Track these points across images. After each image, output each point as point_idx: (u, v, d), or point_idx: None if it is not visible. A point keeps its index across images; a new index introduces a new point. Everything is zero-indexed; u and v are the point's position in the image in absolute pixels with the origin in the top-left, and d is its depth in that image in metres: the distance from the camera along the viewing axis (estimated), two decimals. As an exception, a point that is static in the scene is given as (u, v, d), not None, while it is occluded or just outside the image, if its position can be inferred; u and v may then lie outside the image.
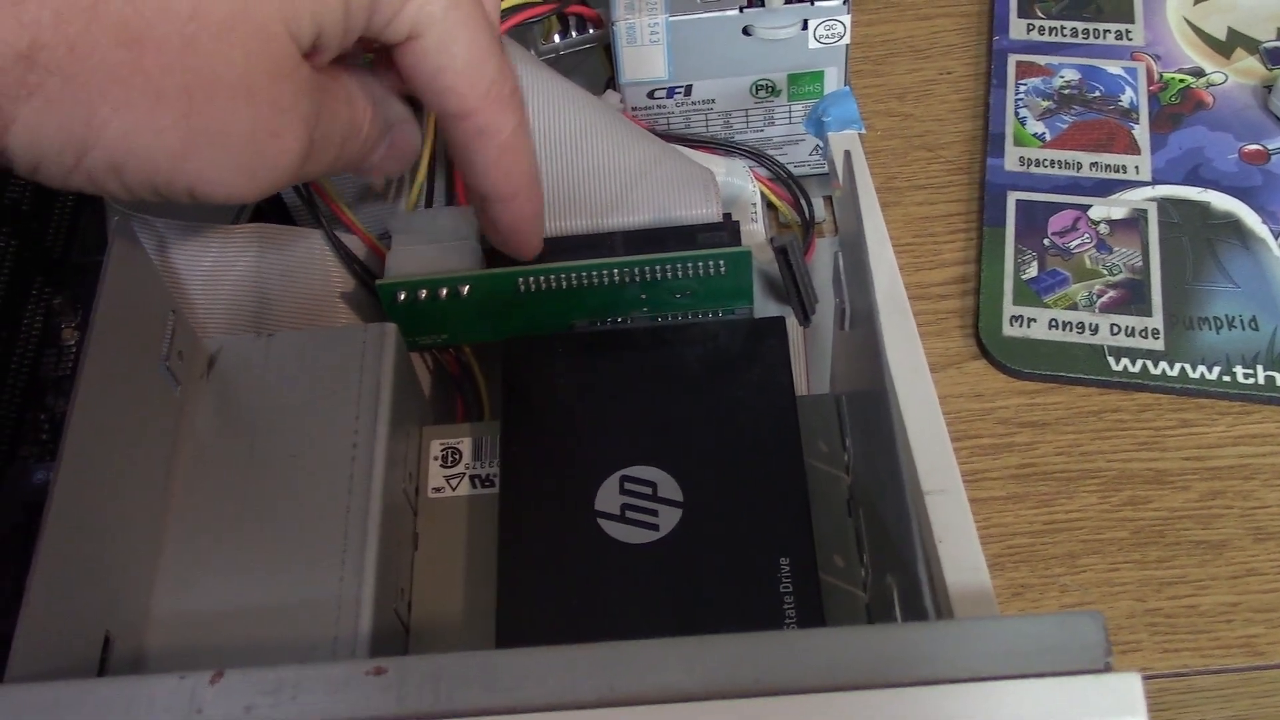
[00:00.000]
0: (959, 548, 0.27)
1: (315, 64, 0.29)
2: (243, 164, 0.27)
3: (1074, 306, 0.44)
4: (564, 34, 0.46)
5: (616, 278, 0.37)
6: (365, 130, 0.31)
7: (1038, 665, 0.22)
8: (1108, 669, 0.22)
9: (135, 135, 0.26)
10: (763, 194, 0.45)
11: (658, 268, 0.36)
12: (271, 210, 0.42)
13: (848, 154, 0.33)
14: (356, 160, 0.32)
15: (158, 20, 0.25)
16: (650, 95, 0.44)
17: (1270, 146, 0.48)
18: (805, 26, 0.42)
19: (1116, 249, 0.45)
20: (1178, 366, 0.42)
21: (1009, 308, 0.44)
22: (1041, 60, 0.51)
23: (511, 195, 0.34)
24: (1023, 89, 0.50)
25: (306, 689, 0.23)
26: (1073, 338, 0.43)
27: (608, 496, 0.34)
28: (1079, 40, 0.52)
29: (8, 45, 0.24)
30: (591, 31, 0.46)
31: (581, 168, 0.39)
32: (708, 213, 0.38)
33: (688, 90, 0.44)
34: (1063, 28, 0.52)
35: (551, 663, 0.23)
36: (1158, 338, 0.43)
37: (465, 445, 0.37)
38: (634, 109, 0.44)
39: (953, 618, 0.26)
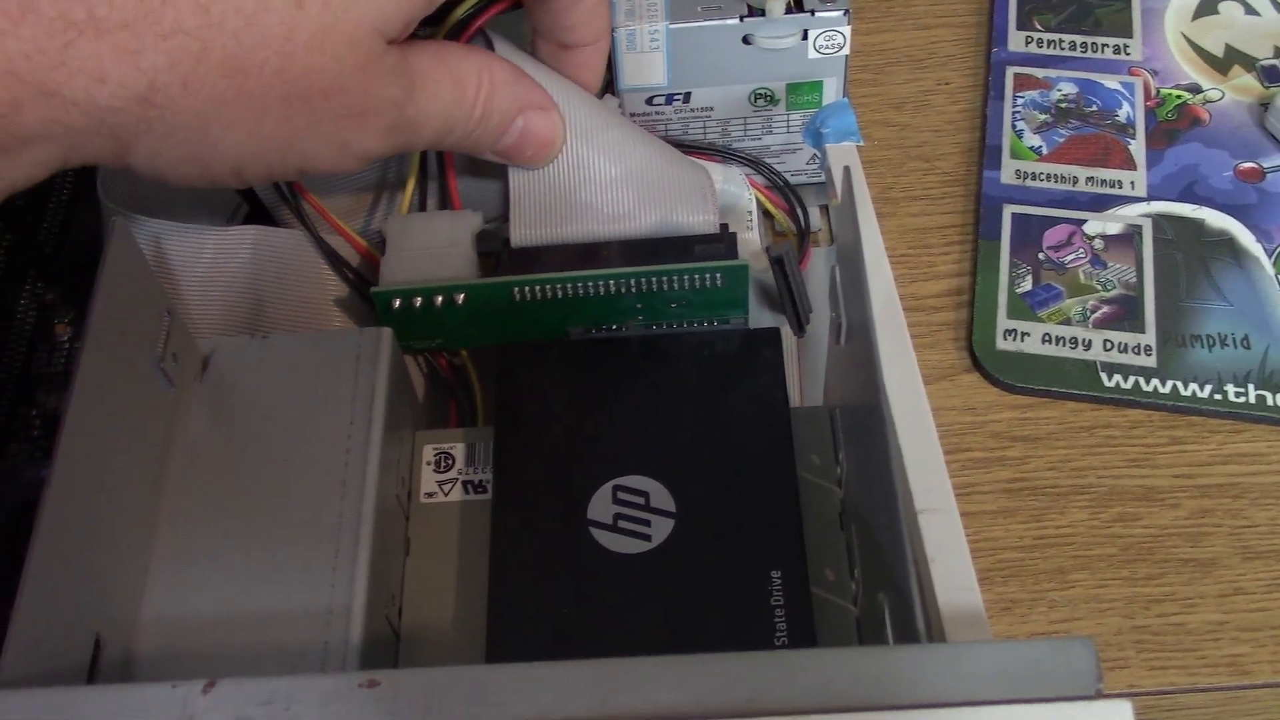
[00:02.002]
0: (951, 567, 0.27)
1: (405, 32, 0.32)
2: (337, 145, 0.31)
3: (1067, 321, 0.44)
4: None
5: (612, 288, 0.37)
6: (479, 110, 0.34)
7: (1029, 691, 0.23)
8: (1099, 695, 0.22)
9: (246, 144, 0.30)
10: (759, 202, 0.45)
11: (654, 279, 0.37)
12: (264, 212, 0.42)
13: (847, 169, 0.33)
14: (478, 141, 0.35)
15: (258, 48, 0.28)
16: (649, 102, 0.44)
17: (1266, 165, 0.48)
18: (805, 37, 0.42)
19: (1111, 264, 0.46)
20: (1170, 384, 0.42)
21: (1003, 321, 0.44)
22: (1039, 73, 0.51)
23: (603, 34, 0.38)
24: (1020, 102, 0.50)
25: (299, 700, 0.23)
26: (1066, 352, 0.43)
27: (600, 506, 0.34)
28: (1077, 54, 0.52)
29: (127, 90, 0.27)
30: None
31: (578, 171, 0.39)
32: (705, 219, 0.38)
33: (686, 97, 0.44)
34: (1061, 41, 0.52)
35: (544, 679, 0.23)
36: (1150, 354, 0.43)
37: (458, 450, 0.37)
38: (632, 115, 0.44)
39: (944, 639, 0.26)
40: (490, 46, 0.39)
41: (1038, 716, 0.22)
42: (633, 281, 0.36)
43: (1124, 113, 0.50)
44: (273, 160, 0.30)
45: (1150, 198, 0.47)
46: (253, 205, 0.44)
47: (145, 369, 0.33)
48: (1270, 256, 0.45)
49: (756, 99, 0.44)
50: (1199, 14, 0.53)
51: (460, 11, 0.38)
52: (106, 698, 0.23)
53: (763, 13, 0.41)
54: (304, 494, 0.33)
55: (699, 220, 0.38)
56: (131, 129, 0.28)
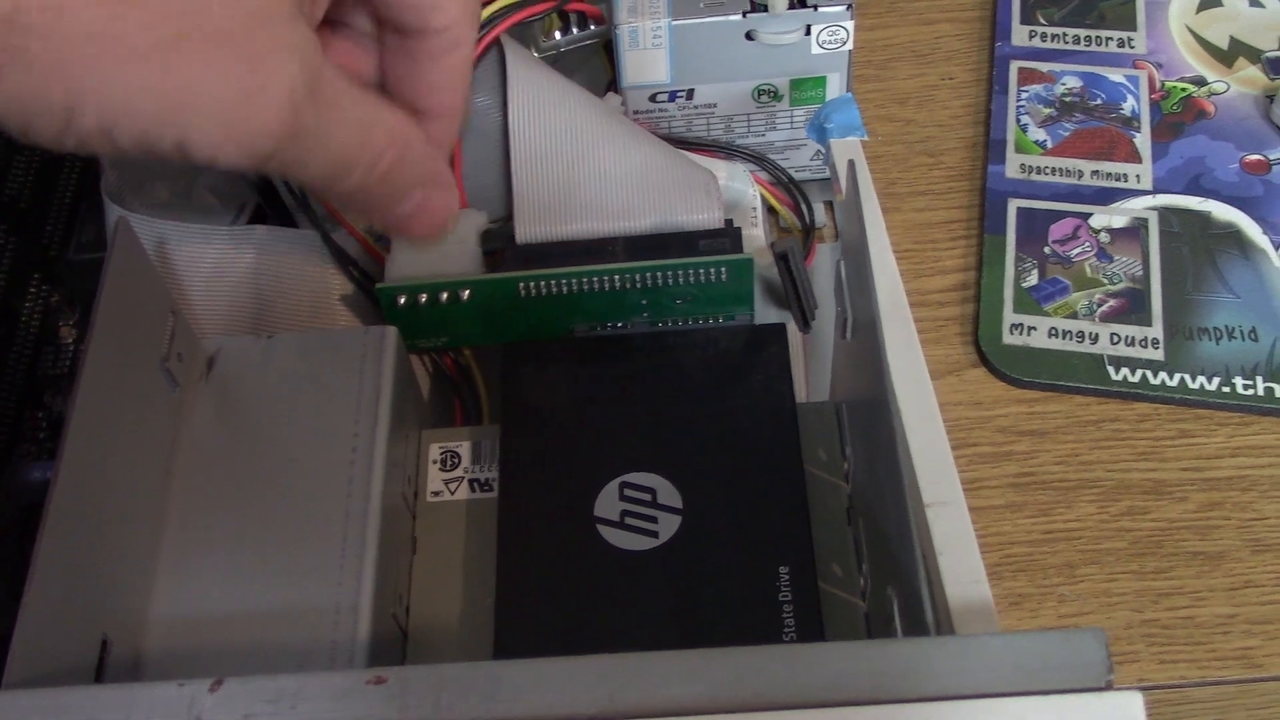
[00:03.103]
0: (960, 560, 0.27)
1: (316, 12, 0.29)
2: (223, 120, 0.27)
3: (1074, 315, 0.44)
4: (565, 31, 0.46)
5: (618, 283, 0.37)
6: (383, 163, 0.31)
7: (1039, 682, 0.22)
8: (1109, 687, 0.22)
9: (117, 97, 0.26)
10: (763, 198, 0.45)
11: (659, 274, 0.36)
12: (272, 212, 0.42)
13: (851, 163, 0.33)
14: (373, 197, 0.32)
15: None
16: (652, 99, 0.44)
17: (1271, 157, 0.48)
18: (808, 32, 0.42)
19: (1117, 258, 0.45)
20: (1177, 377, 0.42)
21: (1009, 315, 0.44)
22: (1044, 67, 0.51)
23: (458, 108, 0.35)
24: (1024, 96, 0.50)
25: (306, 698, 0.23)
26: (1072, 346, 0.43)
27: (607, 503, 0.34)
28: (1081, 47, 0.52)
29: None
30: (593, 28, 0.46)
31: (583, 170, 0.39)
32: (709, 216, 0.38)
33: (689, 94, 0.44)
34: (1065, 35, 0.52)
35: (552, 674, 0.23)
36: (1157, 348, 0.43)
37: (464, 449, 0.37)
38: (635, 112, 0.44)
39: (953, 631, 0.26)
40: (503, 54, 0.39)
41: (1049, 708, 0.22)
42: (638, 276, 0.36)
43: (1129, 106, 0.50)
44: (148, 126, 0.26)
45: (1156, 191, 0.47)
46: (259, 205, 0.44)
47: (150, 369, 0.33)
48: (1277, 249, 0.45)
49: (760, 95, 0.44)
50: (1203, 6, 0.53)
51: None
52: (114, 697, 0.23)
53: (765, 8, 0.41)
54: (310, 493, 0.33)
55: (704, 218, 0.38)
56: None
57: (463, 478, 0.37)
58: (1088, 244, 0.46)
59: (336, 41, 0.33)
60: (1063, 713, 0.22)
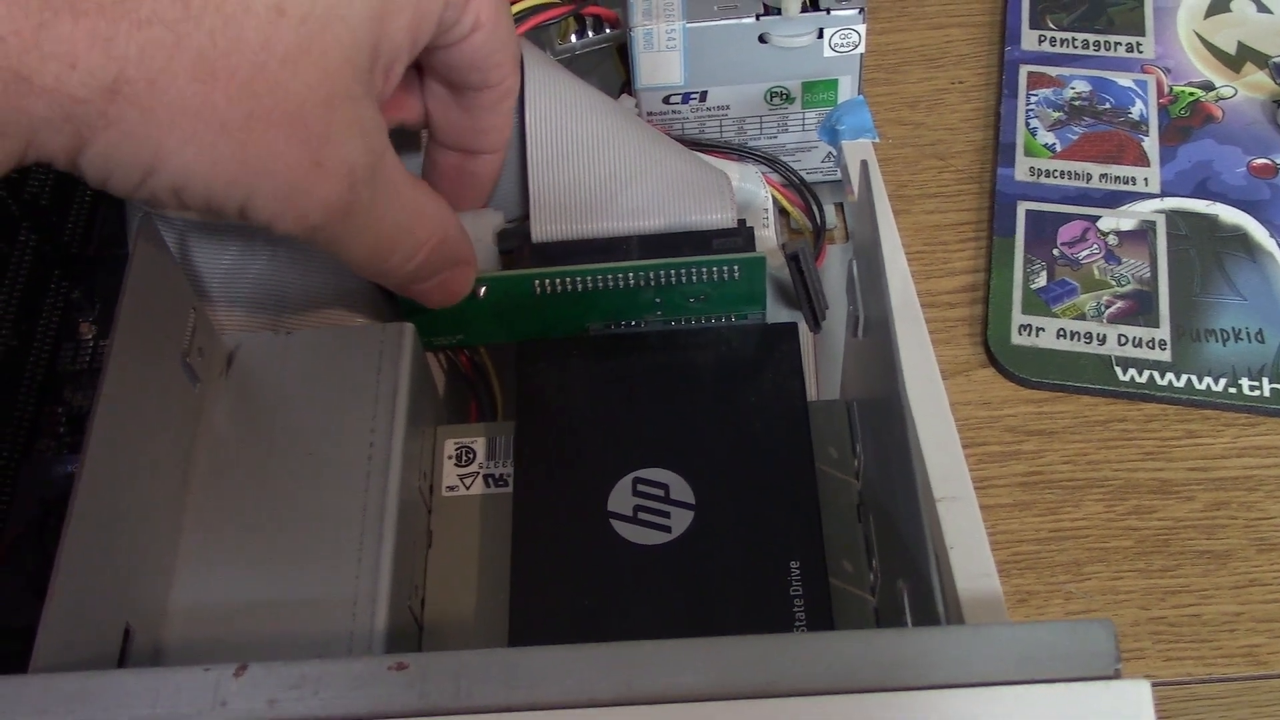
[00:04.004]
0: (970, 554, 0.27)
1: (388, 88, 0.31)
2: (285, 192, 0.29)
3: (1082, 316, 0.44)
4: (580, 34, 0.46)
5: (631, 281, 0.37)
6: (421, 254, 0.33)
7: (1048, 671, 0.23)
8: (1117, 675, 0.23)
9: (196, 164, 0.27)
10: (775, 199, 0.46)
11: (672, 272, 0.37)
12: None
13: (864, 164, 0.33)
14: (398, 279, 0.34)
15: (232, 52, 0.26)
16: (665, 100, 0.44)
17: (1278, 161, 0.48)
18: (821, 35, 0.42)
19: (1125, 260, 0.46)
20: (1184, 378, 0.43)
21: (1018, 317, 0.45)
22: (1053, 71, 0.52)
23: (505, 144, 0.38)
24: (1034, 100, 0.51)
25: (329, 684, 0.23)
26: (1080, 347, 0.44)
27: (620, 498, 0.35)
28: (1090, 52, 0.52)
29: (95, 78, 0.25)
30: (608, 31, 0.46)
31: (598, 171, 0.39)
32: (723, 217, 0.38)
33: (703, 96, 0.44)
34: (1074, 39, 0.53)
35: (570, 661, 0.23)
36: (1165, 349, 0.43)
37: (479, 445, 0.38)
38: (649, 114, 0.45)
39: (963, 623, 0.26)
40: (520, 57, 0.40)
41: (1057, 696, 0.22)
42: (651, 274, 0.37)
43: (1137, 110, 0.50)
44: (216, 188, 0.28)
45: (1164, 194, 0.48)
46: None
47: (172, 364, 0.33)
48: (1284, 251, 0.45)
49: (772, 97, 0.44)
50: (1211, 12, 0.53)
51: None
52: (141, 681, 0.24)
53: (779, 11, 0.42)
54: (328, 487, 0.34)
55: (717, 218, 0.39)
56: (92, 124, 0.26)
57: (478, 473, 0.37)
58: (1096, 246, 0.46)
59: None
60: (1071, 701, 0.22)
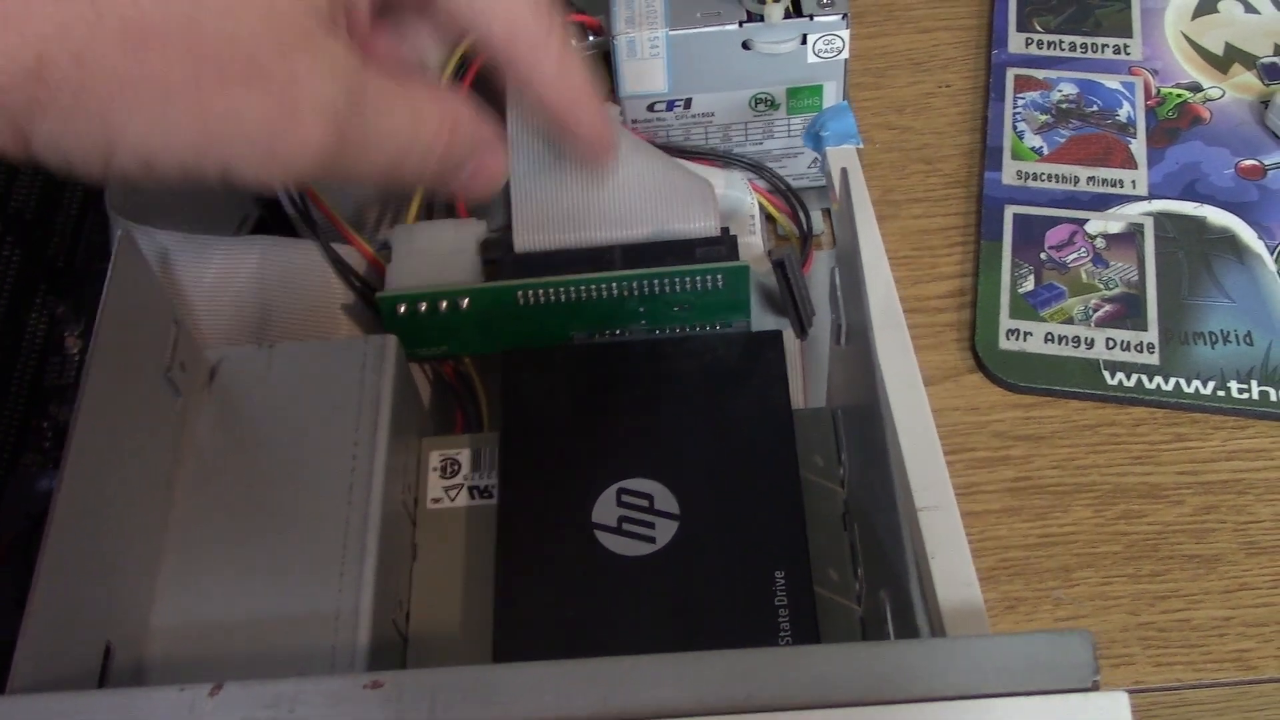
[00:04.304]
0: (951, 563, 0.27)
1: (356, 29, 0.29)
2: (263, 147, 0.27)
3: (1070, 320, 0.44)
4: (565, 45, 0.46)
5: (615, 291, 0.37)
6: (436, 152, 0.31)
7: (1027, 683, 0.23)
8: (1095, 688, 0.23)
9: (153, 134, 0.26)
10: (761, 206, 0.46)
11: (656, 281, 0.37)
12: (274, 221, 0.43)
13: (844, 171, 0.33)
14: (428, 177, 0.32)
15: (158, 12, 0.25)
16: (650, 108, 0.44)
17: (1267, 162, 0.48)
18: (804, 41, 0.42)
19: (1113, 263, 0.46)
20: (1173, 381, 0.43)
21: (1005, 321, 0.44)
22: (1040, 74, 0.52)
23: (574, 109, 0.34)
24: (1021, 103, 0.51)
25: (304, 702, 0.23)
26: (1068, 351, 0.44)
27: (605, 509, 0.34)
28: (1077, 54, 0.52)
29: (14, 63, 0.24)
30: (592, 39, 0.46)
31: (581, 180, 0.39)
32: (706, 225, 0.38)
33: (687, 103, 0.44)
34: (1061, 42, 0.52)
35: (546, 678, 0.23)
36: (1153, 352, 0.43)
37: (464, 456, 0.38)
38: (634, 122, 0.45)
39: (944, 633, 0.26)
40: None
41: (1036, 709, 0.22)
42: (635, 284, 0.37)
43: (1124, 112, 0.50)
44: (186, 156, 0.26)
45: (1152, 196, 0.47)
46: (261, 216, 0.45)
47: (153, 379, 0.33)
48: (1272, 253, 0.45)
49: (757, 104, 0.44)
50: (1199, 13, 0.53)
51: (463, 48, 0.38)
52: (115, 701, 0.24)
53: (762, 18, 0.42)
54: (311, 501, 0.33)
55: (700, 226, 0.39)
56: (25, 111, 0.24)
57: (463, 485, 0.37)
58: (1083, 250, 0.46)
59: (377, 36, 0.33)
60: (1050, 713, 0.22)
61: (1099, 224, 0.47)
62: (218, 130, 0.26)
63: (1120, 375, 0.43)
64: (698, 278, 0.37)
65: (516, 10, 0.31)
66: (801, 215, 0.46)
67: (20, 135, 0.25)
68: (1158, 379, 0.43)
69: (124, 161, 0.26)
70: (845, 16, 0.41)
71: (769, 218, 0.47)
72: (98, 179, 0.27)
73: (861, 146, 0.38)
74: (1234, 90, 0.50)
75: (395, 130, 0.30)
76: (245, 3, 0.26)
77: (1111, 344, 0.44)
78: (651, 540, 0.34)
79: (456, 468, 0.38)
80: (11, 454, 0.42)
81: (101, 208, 0.42)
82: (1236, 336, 0.43)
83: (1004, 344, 0.44)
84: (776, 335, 0.38)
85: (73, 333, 0.44)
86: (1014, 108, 0.51)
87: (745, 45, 0.42)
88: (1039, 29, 0.53)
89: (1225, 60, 0.51)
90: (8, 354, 0.43)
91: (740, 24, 0.42)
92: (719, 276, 0.37)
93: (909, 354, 0.31)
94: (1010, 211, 0.48)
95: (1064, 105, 0.50)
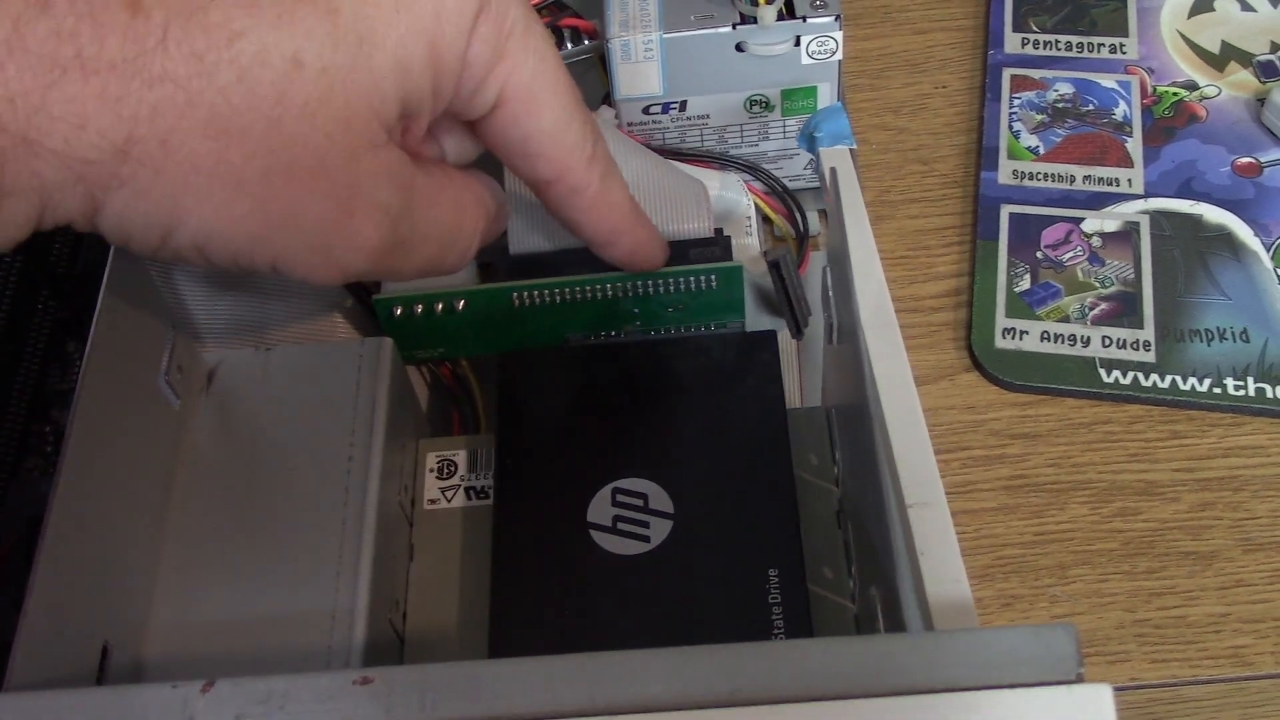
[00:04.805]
0: (940, 560, 0.27)
1: (412, 142, 0.29)
2: (318, 245, 0.28)
3: (1066, 319, 0.44)
4: (559, 46, 0.46)
5: (610, 292, 0.37)
6: (478, 237, 0.32)
7: (1012, 676, 0.23)
8: (1079, 680, 0.23)
9: (216, 221, 0.26)
10: (757, 207, 0.46)
11: (650, 282, 0.37)
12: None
13: (834, 170, 0.34)
14: (453, 266, 0.32)
15: (245, 108, 0.25)
16: (645, 111, 0.44)
17: (1263, 159, 0.48)
18: (798, 43, 0.42)
19: (1109, 261, 0.46)
20: (1169, 379, 0.43)
21: (1001, 320, 0.45)
22: (1036, 74, 0.52)
23: (613, 239, 0.34)
24: (1017, 103, 0.51)
25: (295, 699, 0.23)
26: (1064, 350, 0.44)
27: (600, 508, 0.35)
28: (1073, 54, 0.52)
29: (107, 140, 0.24)
30: (586, 43, 0.46)
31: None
32: (700, 226, 0.39)
33: (682, 106, 0.44)
34: (1057, 42, 0.53)
35: (536, 673, 0.23)
36: (1149, 350, 0.43)
37: (461, 457, 0.38)
38: (629, 124, 0.45)
39: (932, 629, 0.26)
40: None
41: (1020, 701, 0.22)
42: (629, 285, 0.37)
43: (1120, 111, 0.50)
44: (241, 247, 0.27)
45: (1148, 195, 0.48)
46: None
47: (150, 383, 0.34)
48: (1268, 250, 0.45)
49: (752, 105, 0.44)
50: (1195, 11, 0.53)
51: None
52: (108, 699, 0.24)
53: (755, 20, 0.42)
54: (308, 502, 0.34)
55: (694, 227, 0.39)
56: (104, 185, 0.25)
57: (459, 486, 0.37)
58: (1079, 248, 0.46)
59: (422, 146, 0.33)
60: (1034, 705, 0.22)
61: (1095, 223, 0.47)
62: (278, 224, 0.27)
63: (1116, 373, 0.43)
64: (692, 278, 0.37)
65: (564, 159, 0.32)
66: (798, 216, 0.46)
67: (92, 207, 0.25)
68: (1154, 376, 0.43)
69: (180, 243, 0.27)
70: (838, 18, 0.42)
71: (765, 219, 0.47)
72: (150, 256, 0.28)
73: (855, 147, 0.38)
74: (1230, 88, 0.50)
75: (440, 225, 0.31)
76: (324, 108, 0.26)
77: (1108, 342, 0.44)
78: (646, 539, 0.34)
79: (453, 469, 0.38)
80: (14, 459, 0.42)
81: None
82: (1233, 333, 0.43)
83: (1000, 343, 0.44)
84: (771, 335, 0.38)
85: (74, 338, 0.45)
86: (1010, 108, 0.51)
87: (739, 47, 0.42)
88: (1035, 29, 0.53)
89: (1221, 58, 0.51)
90: (10, 359, 0.44)
91: (733, 26, 0.42)
92: (713, 277, 0.37)
93: (900, 352, 0.31)
94: (1006, 211, 0.48)
95: (1060, 105, 0.51)
